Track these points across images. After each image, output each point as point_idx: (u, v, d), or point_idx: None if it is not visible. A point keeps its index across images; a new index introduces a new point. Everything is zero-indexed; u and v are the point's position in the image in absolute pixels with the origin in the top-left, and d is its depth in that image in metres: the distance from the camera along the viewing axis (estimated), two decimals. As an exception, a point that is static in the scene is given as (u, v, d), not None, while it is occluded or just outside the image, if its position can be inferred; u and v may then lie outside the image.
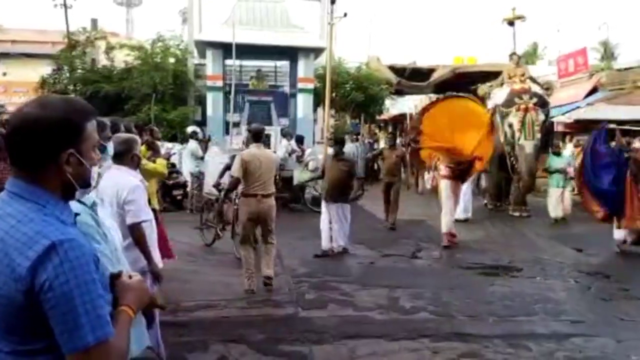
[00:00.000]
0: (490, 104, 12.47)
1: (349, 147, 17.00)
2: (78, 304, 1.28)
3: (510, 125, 10.70)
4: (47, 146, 1.38)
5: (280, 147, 13.07)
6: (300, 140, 13.51)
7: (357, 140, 20.80)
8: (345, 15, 13.38)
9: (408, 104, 34.21)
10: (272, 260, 6.17)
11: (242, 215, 6.13)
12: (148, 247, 3.73)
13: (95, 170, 1.52)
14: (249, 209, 5.98)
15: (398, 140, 16.31)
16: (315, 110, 19.02)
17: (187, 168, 11.79)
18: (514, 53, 12.45)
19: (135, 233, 3.64)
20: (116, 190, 3.59)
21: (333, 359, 4.29)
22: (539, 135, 10.54)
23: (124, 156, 3.72)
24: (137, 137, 4.04)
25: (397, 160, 10.46)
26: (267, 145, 14.72)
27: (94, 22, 25.29)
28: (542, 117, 10.75)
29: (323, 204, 8.14)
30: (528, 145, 10.37)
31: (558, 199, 11.20)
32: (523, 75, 11.59)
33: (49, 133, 1.37)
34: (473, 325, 5.13)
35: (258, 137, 6.22)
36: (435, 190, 11.61)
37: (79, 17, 29.88)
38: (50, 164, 1.39)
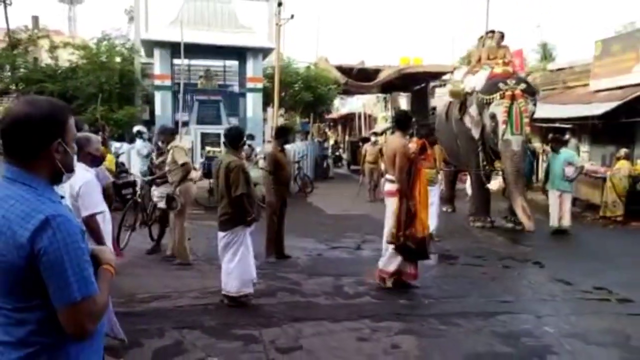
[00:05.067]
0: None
1: (299, 146, 17.41)
2: (67, 267, 1.57)
3: (493, 117, 9.08)
4: (40, 137, 1.66)
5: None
6: (250, 138, 13.75)
7: (306, 139, 21.25)
8: (292, 17, 13.76)
9: (357, 104, 35.02)
10: None
11: (188, 196, 7.34)
12: (103, 237, 3.95)
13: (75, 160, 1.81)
14: (192, 190, 7.42)
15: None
16: (264, 109, 19.25)
17: (136, 167, 11.86)
18: (492, 31, 10.88)
19: (89, 225, 3.84)
20: (70, 184, 3.82)
21: (281, 339, 4.62)
22: (527, 129, 8.98)
23: (77, 153, 3.93)
24: (90, 136, 4.25)
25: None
26: (218, 144, 14.96)
27: (35, 19, 24.63)
28: (531, 107, 9.07)
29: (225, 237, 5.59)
30: (515, 141, 8.81)
31: (556, 205, 9.70)
32: (505, 56, 10.10)
33: (41, 126, 1.65)
34: (410, 307, 5.59)
35: (176, 132, 8.00)
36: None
37: (19, 15, 28.90)
38: (42, 153, 1.67)
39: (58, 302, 1.58)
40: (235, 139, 5.79)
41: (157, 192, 7.67)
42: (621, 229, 10.34)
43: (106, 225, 4.24)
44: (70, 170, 1.78)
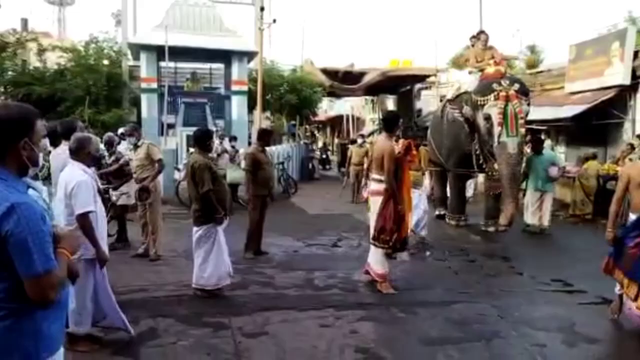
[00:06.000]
0: (449, 93, 11.20)
1: (283, 147, 17.73)
2: (31, 246, 1.89)
3: (488, 118, 8.84)
4: (9, 136, 1.99)
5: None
6: (234, 139, 14.06)
7: (293, 140, 21.58)
8: (274, 21, 14.14)
9: (345, 106, 35.40)
10: None
11: (160, 190, 8.00)
12: (95, 235, 4.14)
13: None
14: (161, 185, 8.15)
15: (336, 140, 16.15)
16: (250, 111, 19.58)
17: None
18: (481, 32, 10.71)
19: (81, 222, 4.04)
20: (65, 183, 4.10)
21: (250, 326, 4.96)
22: (523, 131, 8.75)
23: (78, 153, 4.25)
24: (91, 136, 4.56)
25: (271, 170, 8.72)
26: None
27: (24, 21, 24.89)
28: (526, 107, 8.86)
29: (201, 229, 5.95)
30: (511, 144, 8.51)
31: (535, 205, 9.93)
32: (493, 57, 9.92)
33: (11, 127, 1.99)
34: (374, 297, 5.94)
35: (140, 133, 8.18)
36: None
37: (8, 16, 29.07)
38: (11, 149, 2.00)
39: (24, 275, 1.90)
40: (202, 138, 6.08)
41: (116, 192, 7.97)
42: (589, 226, 10.75)
43: (99, 225, 4.36)
44: (36, 165, 2.10)
